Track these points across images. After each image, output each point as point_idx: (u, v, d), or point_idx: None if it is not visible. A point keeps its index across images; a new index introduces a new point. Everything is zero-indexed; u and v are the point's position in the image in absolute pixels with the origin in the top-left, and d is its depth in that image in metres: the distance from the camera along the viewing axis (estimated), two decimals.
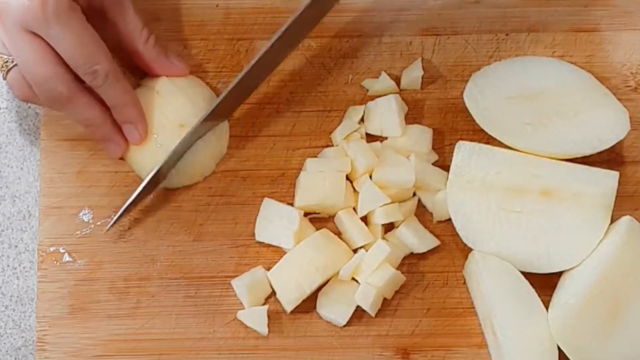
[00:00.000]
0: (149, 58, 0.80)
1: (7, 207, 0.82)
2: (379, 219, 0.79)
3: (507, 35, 0.86)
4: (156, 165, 0.78)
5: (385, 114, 0.81)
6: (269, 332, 0.77)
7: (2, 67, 0.76)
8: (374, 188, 0.79)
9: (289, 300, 0.77)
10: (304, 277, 0.77)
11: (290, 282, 0.77)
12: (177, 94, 0.80)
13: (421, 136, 0.82)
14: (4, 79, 0.77)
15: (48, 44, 0.73)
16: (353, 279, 0.78)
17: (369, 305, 0.77)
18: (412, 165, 0.79)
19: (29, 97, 0.77)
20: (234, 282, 0.79)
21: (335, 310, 0.78)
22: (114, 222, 0.79)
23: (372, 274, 0.77)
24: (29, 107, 0.85)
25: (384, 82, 0.83)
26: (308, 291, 0.77)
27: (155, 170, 0.78)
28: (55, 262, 0.79)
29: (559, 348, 0.75)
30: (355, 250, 0.79)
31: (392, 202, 0.79)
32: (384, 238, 0.79)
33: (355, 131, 0.82)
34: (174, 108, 0.80)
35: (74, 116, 0.78)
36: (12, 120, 0.84)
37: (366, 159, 0.80)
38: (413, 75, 0.83)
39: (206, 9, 0.85)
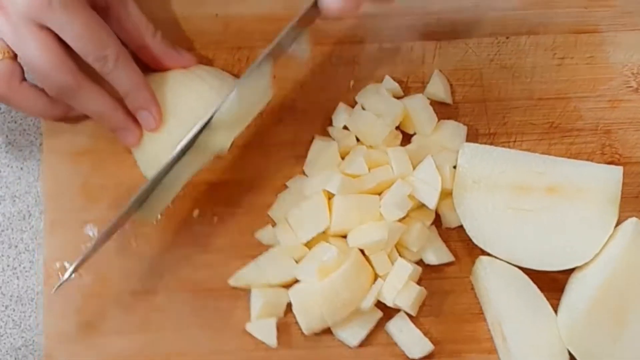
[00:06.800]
0: (158, 51, 0.79)
1: (7, 207, 0.81)
2: (413, 246, 0.78)
3: (507, 38, 0.86)
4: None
5: (418, 112, 0.81)
6: (277, 344, 0.77)
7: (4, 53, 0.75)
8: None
9: (309, 328, 0.76)
10: (329, 310, 0.75)
11: (314, 311, 0.75)
12: (195, 80, 0.78)
13: (454, 132, 0.82)
14: None
15: (54, 35, 0.72)
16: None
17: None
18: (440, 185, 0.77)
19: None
20: (254, 292, 0.77)
21: (348, 330, 0.77)
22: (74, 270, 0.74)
23: (399, 295, 0.76)
24: None
25: (389, 85, 0.83)
26: (330, 323, 0.76)
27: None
28: (61, 277, 0.78)
29: (569, 352, 0.75)
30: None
31: (418, 221, 0.78)
32: (401, 255, 0.78)
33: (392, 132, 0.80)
34: (196, 94, 0.77)
35: (85, 107, 0.76)
36: (12, 120, 0.83)
37: (402, 169, 0.78)
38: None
39: (205, 18, 0.84)
